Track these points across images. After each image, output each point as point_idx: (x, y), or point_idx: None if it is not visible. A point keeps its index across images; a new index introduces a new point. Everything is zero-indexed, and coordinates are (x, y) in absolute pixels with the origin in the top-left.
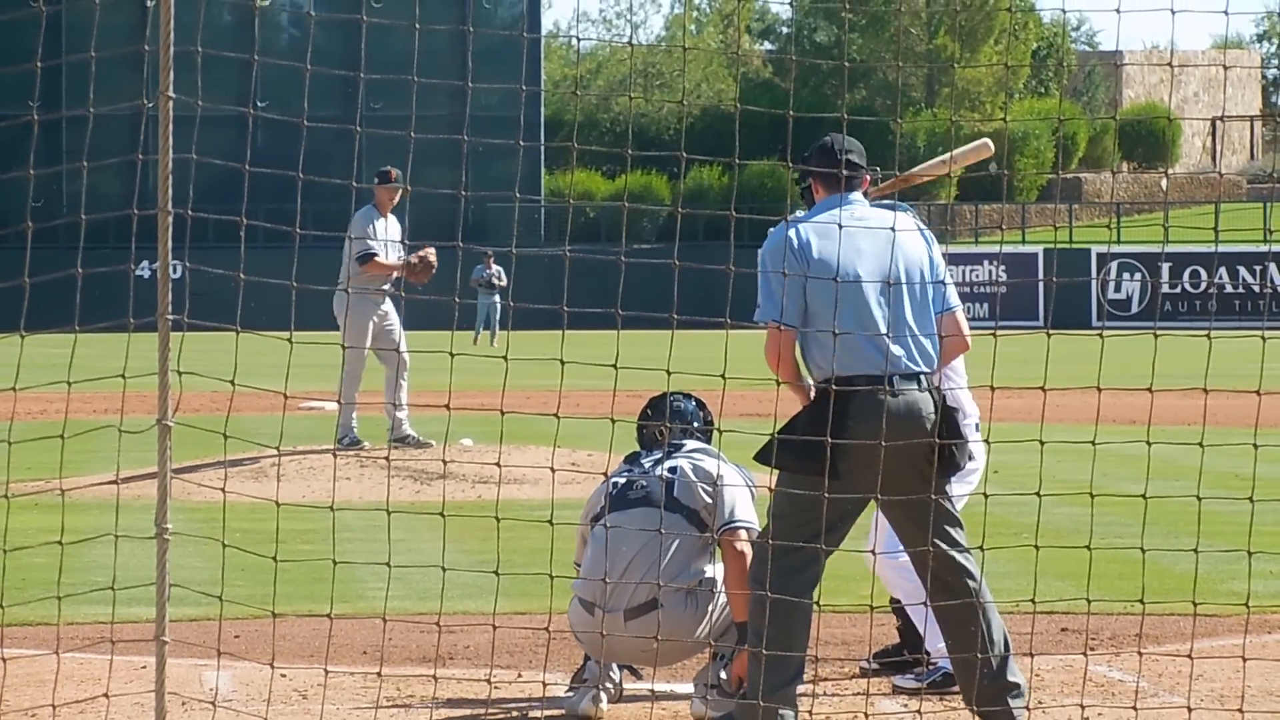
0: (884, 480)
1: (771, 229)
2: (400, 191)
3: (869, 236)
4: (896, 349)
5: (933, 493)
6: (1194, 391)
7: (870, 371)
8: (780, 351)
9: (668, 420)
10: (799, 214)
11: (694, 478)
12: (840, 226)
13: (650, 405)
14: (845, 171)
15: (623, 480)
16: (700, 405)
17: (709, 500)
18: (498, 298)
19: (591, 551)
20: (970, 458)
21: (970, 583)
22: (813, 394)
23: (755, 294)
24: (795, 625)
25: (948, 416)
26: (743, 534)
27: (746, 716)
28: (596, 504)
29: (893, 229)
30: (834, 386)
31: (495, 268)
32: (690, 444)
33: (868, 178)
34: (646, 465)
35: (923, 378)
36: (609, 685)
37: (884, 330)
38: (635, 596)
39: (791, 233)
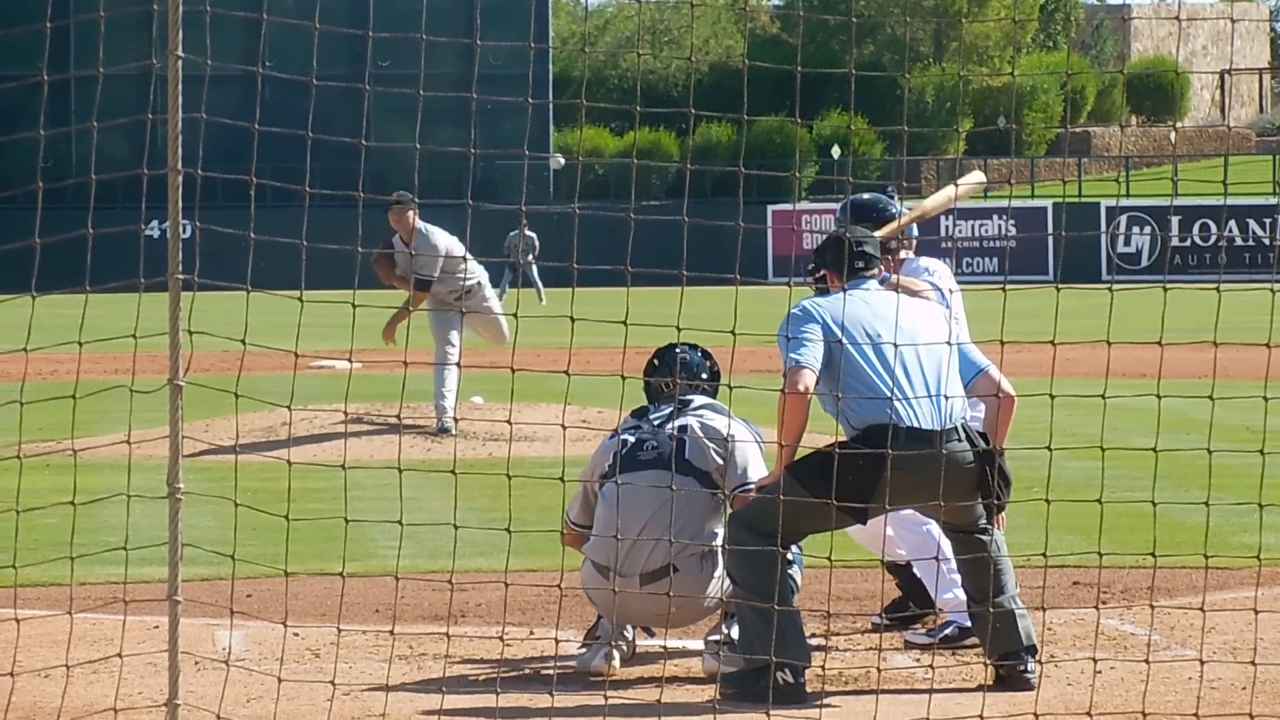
0: (917, 508)
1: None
2: (408, 211)
3: (887, 305)
4: (929, 403)
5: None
6: (1204, 344)
7: (901, 424)
8: (802, 402)
9: (675, 373)
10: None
11: (704, 437)
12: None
13: (656, 357)
14: (860, 263)
15: (632, 439)
16: (706, 356)
17: (720, 461)
18: (534, 260)
19: (603, 512)
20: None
21: (984, 538)
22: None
23: (763, 251)
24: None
25: (998, 464)
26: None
27: (752, 680)
28: (604, 461)
29: (909, 292)
30: (850, 441)
31: (531, 234)
32: (698, 400)
33: (881, 269)
34: (655, 422)
35: (962, 429)
36: (622, 644)
37: (916, 387)
38: (651, 561)
39: (810, 305)
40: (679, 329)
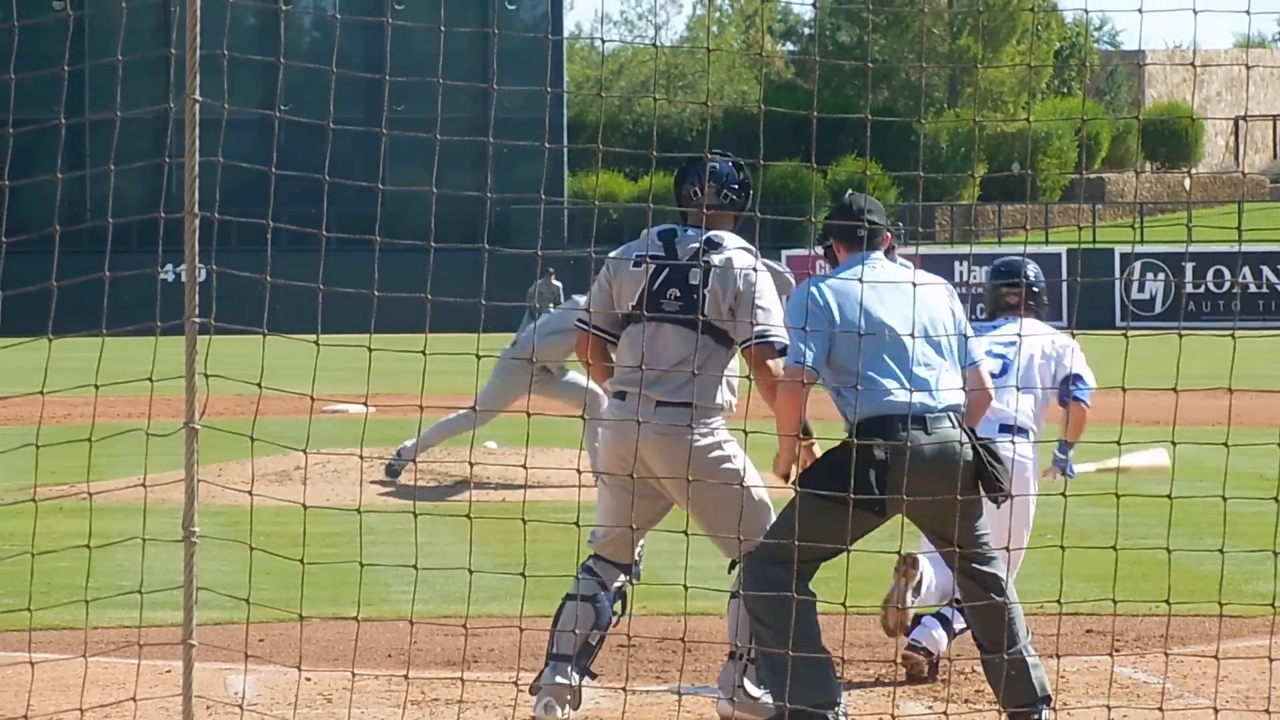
0: (922, 508)
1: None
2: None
3: (893, 290)
4: (926, 391)
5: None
6: (1218, 391)
7: (903, 413)
8: (797, 399)
9: (704, 182)
10: (823, 270)
11: (722, 288)
12: (862, 280)
13: (687, 164)
14: (865, 230)
15: (661, 277)
16: (739, 167)
17: (733, 310)
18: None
19: (628, 345)
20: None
21: (996, 589)
22: (811, 449)
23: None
24: (811, 621)
25: (985, 445)
26: (773, 347)
27: None
28: (632, 290)
29: (914, 283)
30: (853, 433)
31: (557, 284)
32: (730, 241)
33: (889, 235)
34: (681, 256)
35: (953, 415)
36: (567, 695)
37: (915, 375)
38: (671, 391)
39: (814, 289)
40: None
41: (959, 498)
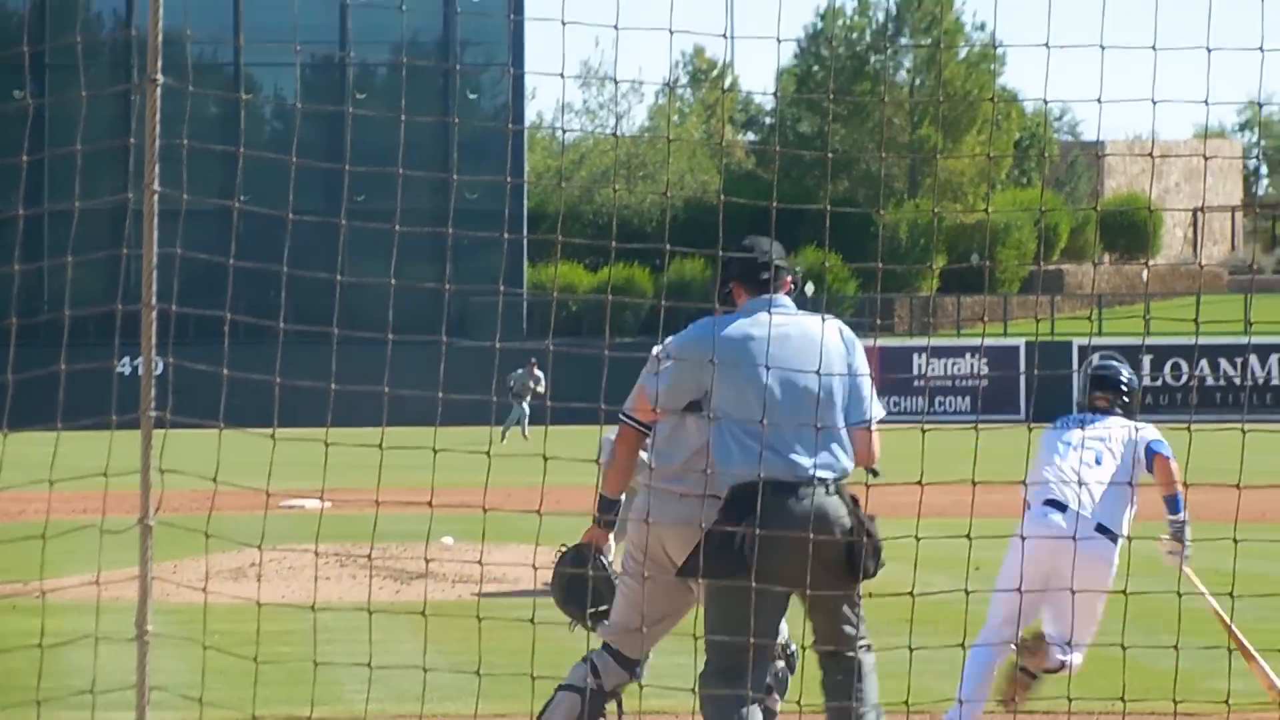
0: (797, 579)
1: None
2: None
3: (780, 342)
4: (801, 454)
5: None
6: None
7: (777, 477)
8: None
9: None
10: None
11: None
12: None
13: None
14: (766, 274)
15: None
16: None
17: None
18: (526, 405)
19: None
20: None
21: (855, 687)
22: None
23: None
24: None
25: (861, 519)
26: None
27: None
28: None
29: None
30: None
31: (539, 373)
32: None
33: (789, 280)
34: None
35: (830, 483)
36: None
37: (789, 435)
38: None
39: (703, 332)
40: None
41: (828, 584)
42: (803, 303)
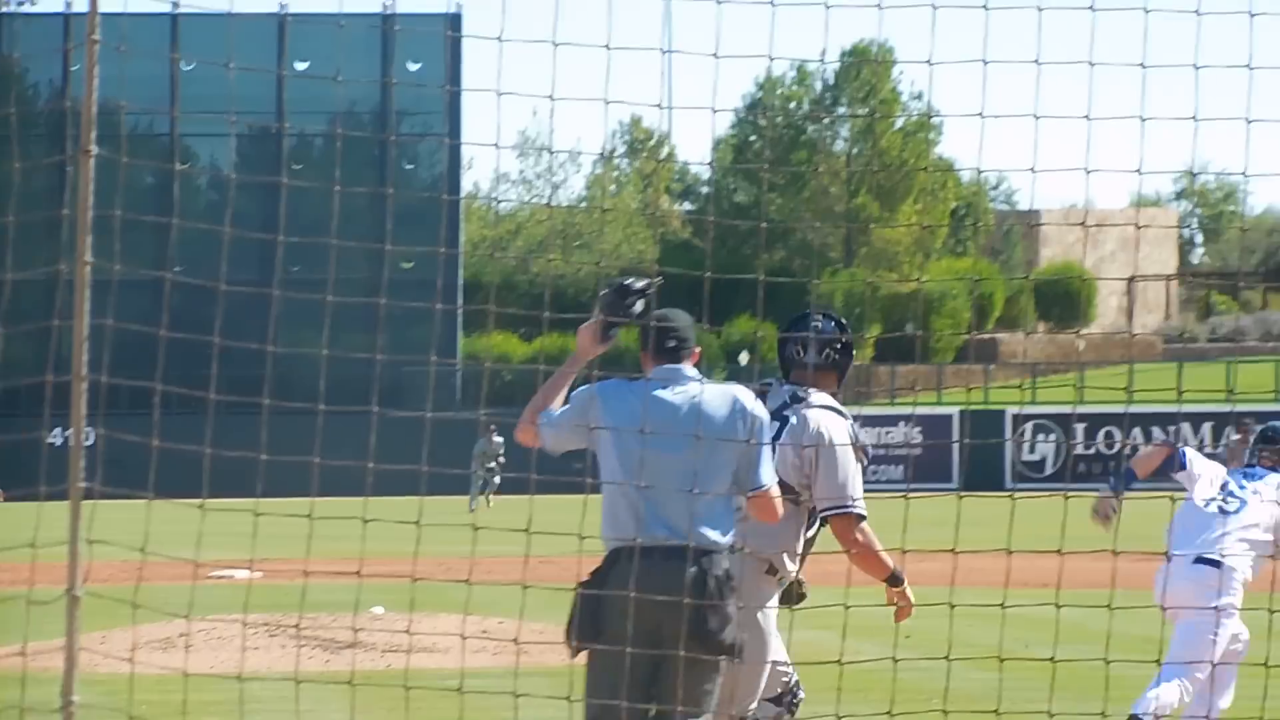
0: (651, 648)
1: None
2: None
3: (667, 409)
4: (665, 522)
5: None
6: (1104, 554)
7: (643, 543)
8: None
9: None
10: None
11: (793, 447)
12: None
13: (790, 322)
14: (672, 343)
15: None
16: (842, 328)
17: (803, 473)
18: (495, 474)
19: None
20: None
21: None
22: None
23: None
24: None
25: (719, 592)
26: (852, 517)
27: None
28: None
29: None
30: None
31: (498, 439)
32: (814, 398)
33: (697, 351)
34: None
35: (690, 552)
36: None
37: (659, 502)
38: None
39: (600, 389)
40: (580, 536)
41: (686, 660)
42: (737, 371)
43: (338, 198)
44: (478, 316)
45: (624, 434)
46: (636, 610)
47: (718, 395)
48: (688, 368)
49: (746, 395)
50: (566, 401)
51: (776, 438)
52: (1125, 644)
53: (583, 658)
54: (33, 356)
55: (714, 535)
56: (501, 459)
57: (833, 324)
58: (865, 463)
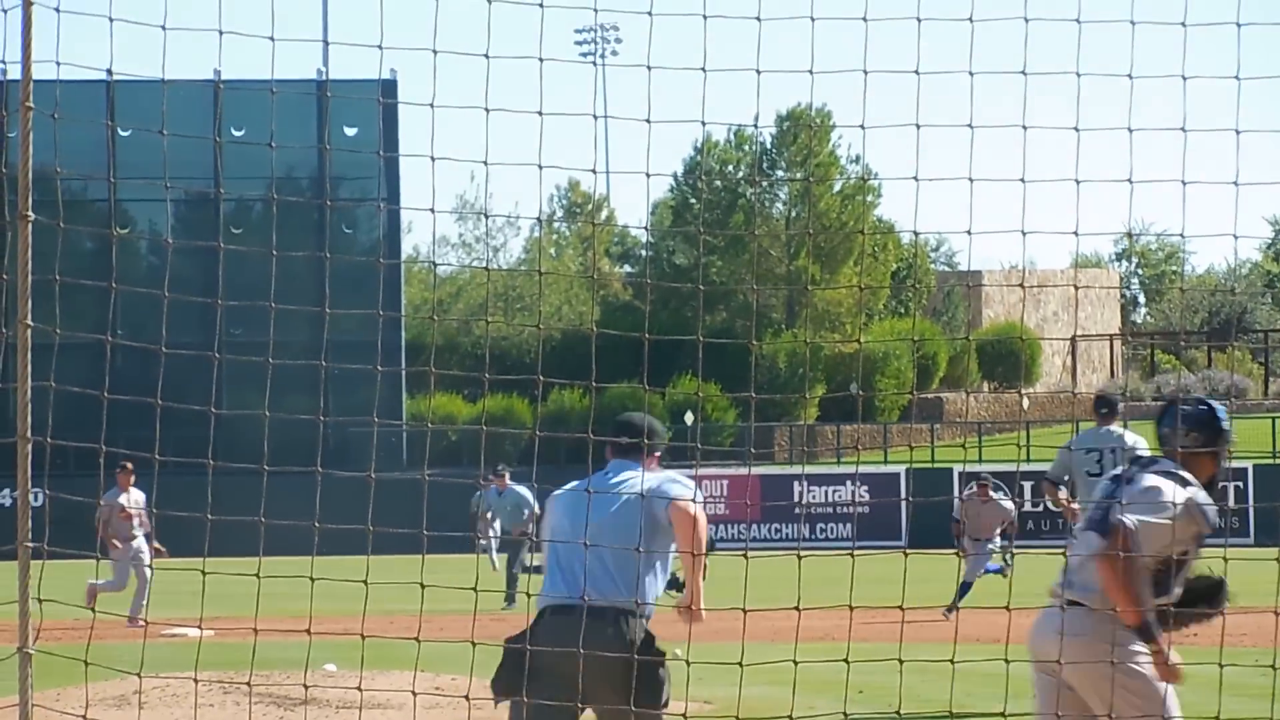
0: (565, 694)
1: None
2: None
3: (605, 492)
4: (591, 582)
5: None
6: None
7: (561, 601)
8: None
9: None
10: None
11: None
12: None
13: (1166, 404)
14: (626, 442)
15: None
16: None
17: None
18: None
19: None
20: None
21: None
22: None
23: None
24: None
25: (645, 649)
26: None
27: None
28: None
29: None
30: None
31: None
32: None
33: (657, 455)
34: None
35: (613, 610)
36: None
37: (584, 570)
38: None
39: (561, 490)
40: (528, 594)
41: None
42: (682, 432)
43: (274, 263)
44: (422, 377)
45: (567, 512)
46: (559, 662)
47: (654, 480)
48: (629, 465)
49: (677, 480)
50: None
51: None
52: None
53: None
54: None
55: (634, 593)
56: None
57: (1202, 408)
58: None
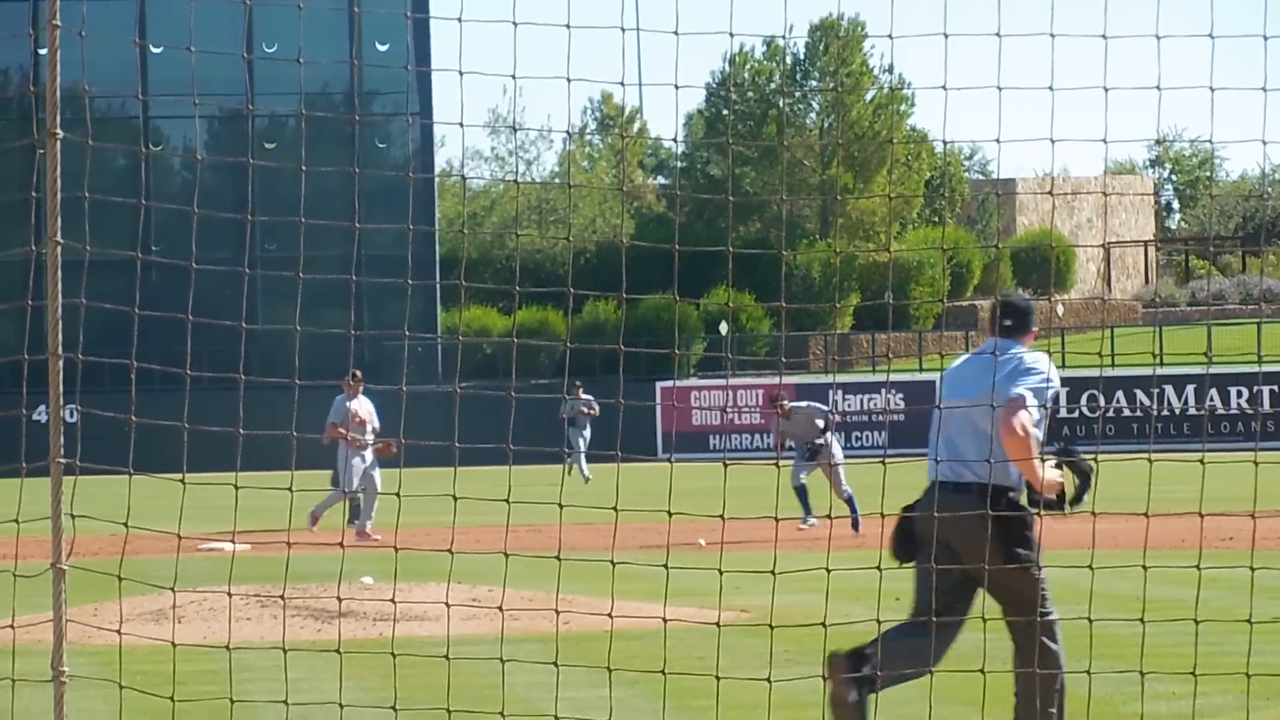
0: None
1: None
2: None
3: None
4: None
5: None
6: (1085, 514)
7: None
8: None
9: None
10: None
11: None
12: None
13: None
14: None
15: None
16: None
17: None
18: (588, 431)
19: None
20: None
21: None
22: None
23: (652, 428)
24: None
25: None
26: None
27: None
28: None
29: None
30: None
31: (586, 396)
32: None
33: (1033, 331)
34: None
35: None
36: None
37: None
38: None
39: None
40: (560, 505)
41: None
42: (717, 342)
43: (303, 178)
44: (455, 291)
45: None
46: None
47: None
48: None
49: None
50: None
51: None
52: (1114, 601)
53: None
54: (12, 335)
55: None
56: (594, 413)
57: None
58: None
